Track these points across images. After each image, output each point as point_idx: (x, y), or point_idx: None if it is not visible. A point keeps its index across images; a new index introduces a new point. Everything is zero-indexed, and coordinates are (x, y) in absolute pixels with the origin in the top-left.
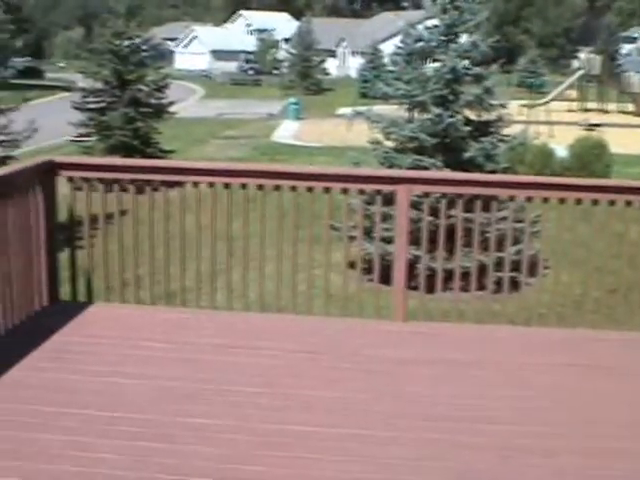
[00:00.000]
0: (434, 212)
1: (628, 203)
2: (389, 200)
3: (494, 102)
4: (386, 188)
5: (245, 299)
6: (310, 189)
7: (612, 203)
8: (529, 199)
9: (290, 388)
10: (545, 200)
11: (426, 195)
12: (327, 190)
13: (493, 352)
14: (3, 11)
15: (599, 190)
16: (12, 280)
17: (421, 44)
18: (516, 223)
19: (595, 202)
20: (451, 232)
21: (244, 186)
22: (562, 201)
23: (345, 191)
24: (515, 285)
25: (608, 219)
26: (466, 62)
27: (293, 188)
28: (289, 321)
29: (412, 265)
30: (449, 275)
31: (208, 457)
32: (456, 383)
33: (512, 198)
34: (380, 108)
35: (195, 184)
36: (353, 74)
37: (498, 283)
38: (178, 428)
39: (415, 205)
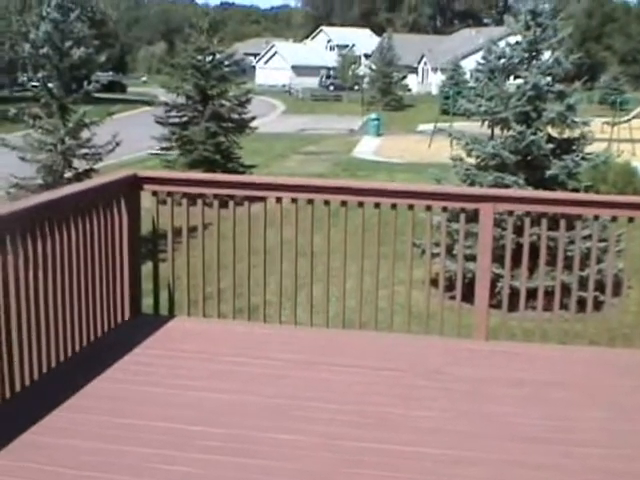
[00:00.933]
0: (517, 230)
1: None
2: (472, 217)
3: (577, 120)
4: (470, 206)
5: (326, 315)
6: (394, 206)
7: None
8: (614, 218)
9: (371, 405)
10: (630, 219)
11: (510, 213)
12: (411, 207)
13: (577, 373)
14: (87, 26)
15: None
16: (95, 292)
17: (503, 61)
18: (599, 242)
19: None
20: (533, 250)
21: (327, 202)
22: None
23: (429, 208)
24: (598, 305)
25: None
26: (549, 79)
27: (377, 205)
28: (370, 338)
29: (494, 283)
30: (531, 294)
31: (293, 474)
32: (540, 404)
33: (596, 217)
34: (461, 125)
35: (278, 199)
36: (434, 90)
37: (580, 302)
38: (262, 444)
39: (498, 223)
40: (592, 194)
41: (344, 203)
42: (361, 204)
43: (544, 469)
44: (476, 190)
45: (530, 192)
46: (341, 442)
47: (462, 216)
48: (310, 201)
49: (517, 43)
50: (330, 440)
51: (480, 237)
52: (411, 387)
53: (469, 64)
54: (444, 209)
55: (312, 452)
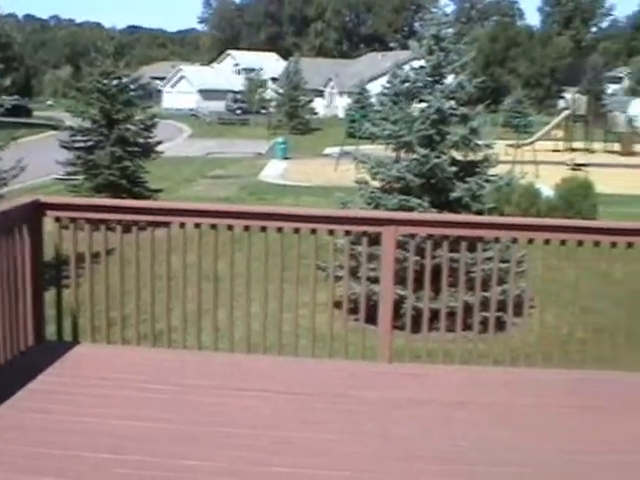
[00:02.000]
0: (420, 252)
1: (613, 244)
2: (375, 240)
3: (480, 142)
4: (372, 229)
5: (230, 339)
6: (297, 230)
7: (597, 244)
8: (514, 240)
9: (277, 430)
10: (530, 241)
11: (412, 236)
12: (313, 231)
13: (481, 393)
14: None
15: (583, 231)
16: None
17: (407, 84)
18: (501, 263)
19: (580, 243)
20: (437, 272)
21: (230, 227)
22: (547, 242)
23: (331, 232)
24: (501, 325)
25: (593, 259)
26: (452, 102)
27: (279, 229)
28: (275, 362)
29: (398, 305)
30: (435, 315)
31: None
32: (444, 424)
33: (497, 239)
34: (367, 148)
35: (182, 224)
36: (340, 114)
37: (484, 323)
38: (172, 470)
39: (401, 245)
40: (493, 217)
41: (247, 228)
42: (264, 229)
43: None
44: (378, 214)
45: (431, 215)
46: (249, 467)
47: (364, 240)
48: (213, 226)
49: (421, 67)
50: (237, 465)
51: (383, 260)
52: (316, 411)
53: (375, 87)
54: (347, 233)
55: (220, 478)
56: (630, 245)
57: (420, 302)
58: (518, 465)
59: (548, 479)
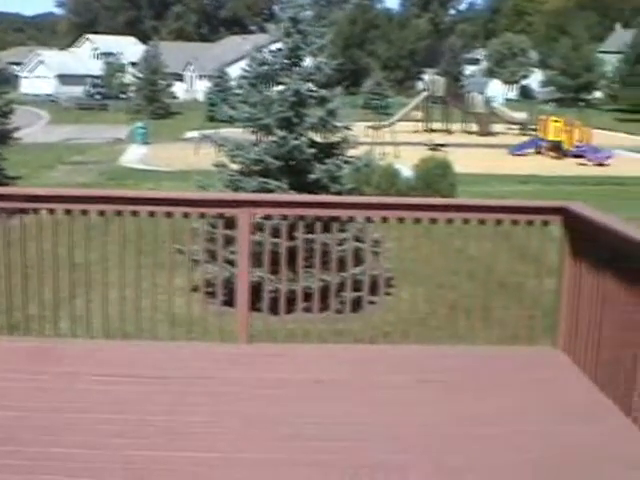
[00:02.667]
0: (279, 234)
1: (465, 221)
2: (233, 223)
3: (338, 124)
4: (228, 212)
5: (90, 326)
6: (152, 214)
7: (450, 221)
8: (368, 219)
9: (140, 414)
10: (384, 220)
11: (268, 217)
12: (169, 214)
13: (338, 371)
14: None
15: (436, 209)
16: None
17: (266, 67)
18: (360, 243)
19: (433, 221)
20: (296, 254)
21: (85, 212)
22: (401, 220)
23: (186, 215)
24: (361, 305)
25: (449, 237)
26: (310, 85)
27: (134, 213)
28: (135, 347)
29: (258, 287)
30: (296, 296)
31: None
32: (302, 402)
33: (351, 219)
34: (228, 131)
35: (35, 211)
36: (201, 98)
37: (345, 303)
38: (35, 459)
39: (260, 227)
40: (347, 197)
41: (102, 213)
42: (119, 213)
43: (304, 466)
44: (233, 195)
45: (286, 196)
46: (115, 452)
47: (220, 222)
48: (68, 212)
49: (279, 50)
50: (105, 451)
51: (238, 242)
52: (178, 394)
53: (236, 71)
54: (202, 215)
55: (88, 464)
56: (482, 222)
57: (280, 284)
58: (368, 440)
59: (408, 452)
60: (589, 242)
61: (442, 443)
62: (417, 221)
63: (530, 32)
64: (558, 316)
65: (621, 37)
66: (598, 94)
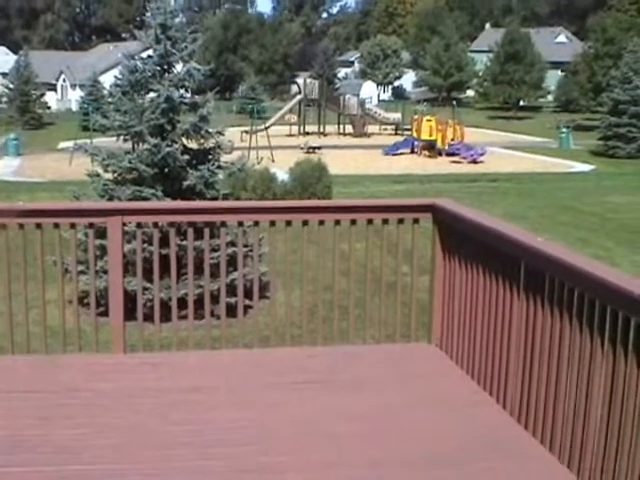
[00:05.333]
0: (161, 242)
1: (337, 222)
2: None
3: (210, 130)
4: (98, 221)
5: None
6: (21, 226)
7: (322, 222)
8: (240, 224)
9: (12, 429)
10: (256, 223)
11: (140, 226)
12: (39, 226)
13: (216, 376)
14: None
15: (308, 211)
16: None
17: (137, 75)
18: (235, 247)
19: (305, 222)
20: (178, 260)
21: None
22: (273, 223)
23: (57, 226)
24: (244, 310)
25: (324, 238)
26: (182, 91)
27: (2, 226)
28: (8, 361)
29: (134, 296)
30: (178, 304)
31: None
32: (182, 409)
33: (224, 224)
34: (102, 141)
35: None
36: (74, 107)
37: (228, 308)
38: None
39: (134, 235)
40: (221, 202)
41: None
42: None
43: (191, 473)
44: (102, 204)
45: (157, 203)
46: None
47: (91, 232)
48: None
49: (149, 57)
50: None
51: (110, 251)
52: (53, 407)
53: (109, 79)
54: (72, 225)
55: None
56: (354, 222)
57: (162, 292)
58: (258, 444)
59: (285, 454)
60: (458, 238)
61: (318, 441)
62: (288, 223)
63: (402, 33)
64: (431, 312)
65: (491, 36)
66: (470, 93)
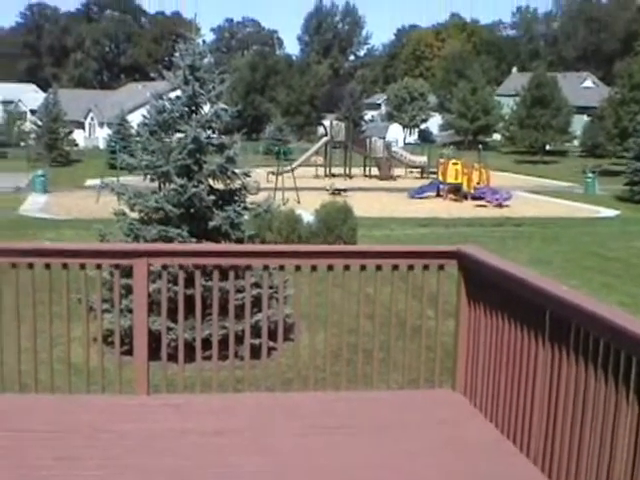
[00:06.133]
0: (187, 283)
1: (363, 267)
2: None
3: (237, 171)
4: (124, 262)
5: None
6: (48, 266)
7: (347, 267)
8: (266, 267)
9: (32, 469)
10: (281, 268)
11: (165, 267)
12: (65, 266)
13: (239, 420)
14: None
15: (334, 256)
16: None
17: (165, 115)
18: (260, 289)
19: (330, 267)
20: (202, 301)
21: None
22: (298, 268)
23: (83, 266)
24: (267, 351)
25: (350, 282)
26: (209, 132)
27: (30, 266)
28: (30, 400)
29: (158, 336)
30: (196, 345)
31: None
32: (205, 453)
33: (249, 267)
34: (129, 179)
35: None
36: (102, 145)
37: (252, 350)
38: None
39: (160, 275)
40: (246, 245)
41: (14, 265)
42: (14, 266)
43: None
44: (127, 246)
45: (183, 245)
46: None
47: (117, 272)
48: None
49: (177, 97)
50: None
51: (135, 292)
52: (74, 448)
53: (136, 118)
54: (98, 266)
55: None
56: (379, 267)
57: (186, 333)
58: None
59: None
60: (483, 284)
61: None
62: (314, 268)
63: (428, 77)
64: (456, 358)
65: (518, 80)
66: (497, 136)
